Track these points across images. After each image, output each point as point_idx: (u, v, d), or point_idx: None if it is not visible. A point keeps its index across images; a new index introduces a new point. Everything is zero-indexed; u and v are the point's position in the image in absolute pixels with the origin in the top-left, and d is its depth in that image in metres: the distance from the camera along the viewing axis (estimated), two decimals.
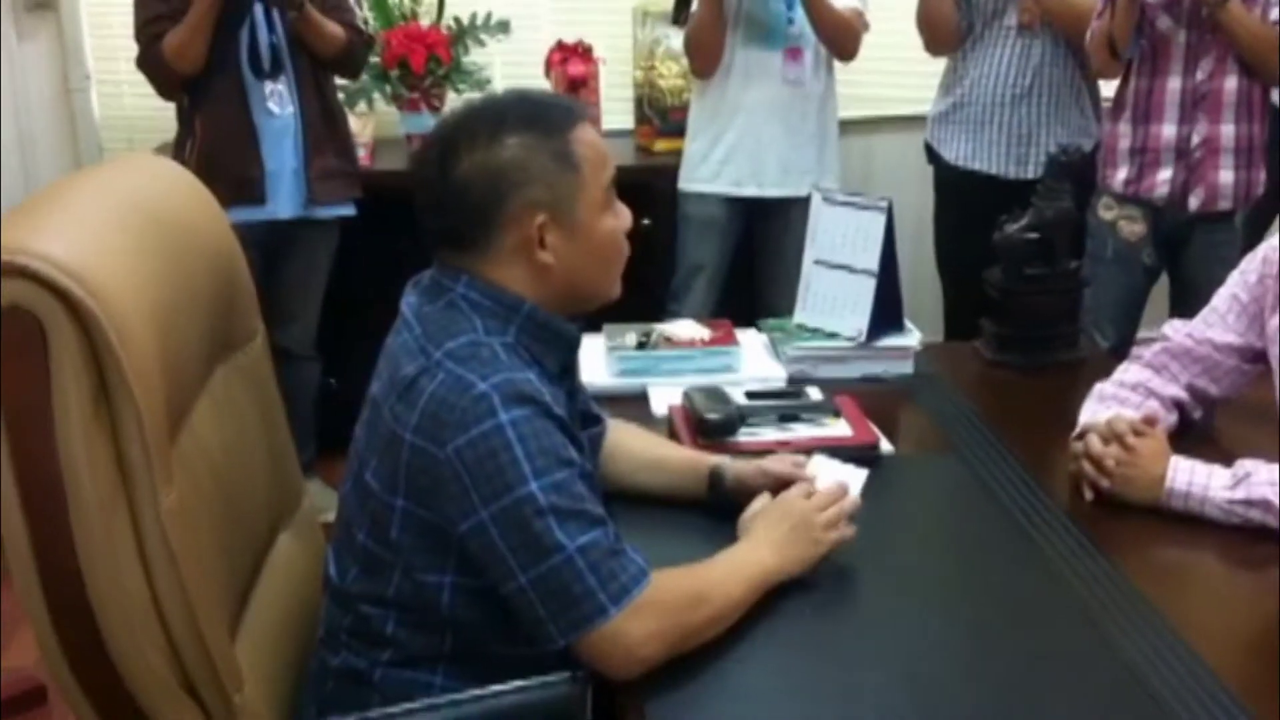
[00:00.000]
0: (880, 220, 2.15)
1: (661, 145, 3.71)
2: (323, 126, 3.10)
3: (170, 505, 1.22)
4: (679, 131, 3.65)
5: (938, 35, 3.20)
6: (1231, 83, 2.77)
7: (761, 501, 1.59)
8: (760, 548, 1.49)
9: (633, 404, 2.03)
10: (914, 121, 3.58)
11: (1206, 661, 1.39)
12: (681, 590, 1.38)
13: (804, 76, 3.17)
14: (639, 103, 3.84)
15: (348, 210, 3.19)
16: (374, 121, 3.62)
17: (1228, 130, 2.79)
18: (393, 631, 1.44)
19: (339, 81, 3.25)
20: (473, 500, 1.33)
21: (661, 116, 3.74)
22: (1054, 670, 1.39)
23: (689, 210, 3.31)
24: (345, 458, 1.51)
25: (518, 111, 1.44)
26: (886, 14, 3.35)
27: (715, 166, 3.25)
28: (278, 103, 3.02)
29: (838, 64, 3.25)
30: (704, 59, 3.18)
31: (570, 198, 1.42)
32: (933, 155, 3.32)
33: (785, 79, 3.16)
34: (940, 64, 3.30)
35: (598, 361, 2.18)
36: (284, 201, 3.06)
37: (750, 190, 3.23)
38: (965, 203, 3.21)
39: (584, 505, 1.35)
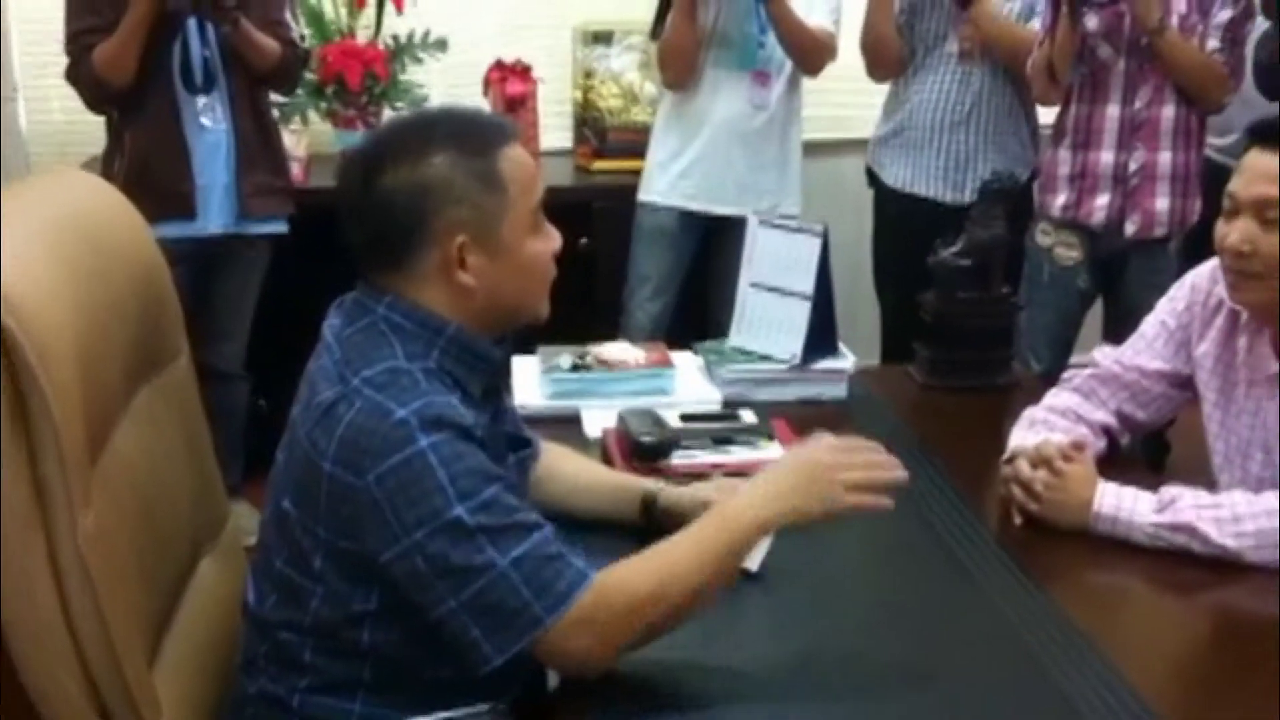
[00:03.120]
0: (816, 245, 2.16)
1: (600, 165, 3.72)
2: (256, 142, 3.06)
3: (88, 528, 1.20)
4: (618, 152, 3.68)
5: (879, 61, 3.24)
6: (1169, 111, 2.82)
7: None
8: (754, 502, 1.39)
9: (566, 426, 2.01)
10: (855, 145, 3.61)
11: (1134, 686, 1.39)
12: (633, 588, 1.33)
13: (770, 100, 3.20)
14: (578, 123, 3.85)
15: (280, 227, 3.15)
16: (308, 138, 3.58)
17: (1164, 158, 2.84)
18: (311, 659, 1.41)
19: (274, 97, 3.22)
20: (395, 529, 1.30)
21: (600, 137, 3.75)
22: (985, 696, 1.40)
23: (642, 220, 3.33)
24: None
25: (446, 128, 1.42)
26: None
27: (673, 179, 3.27)
28: (210, 117, 2.98)
29: (817, 88, 3.29)
30: (675, 72, 3.20)
31: (494, 219, 1.40)
32: (873, 178, 3.35)
33: (751, 101, 3.19)
34: (881, 89, 3.33)
35: (531, 383, 2.17)
36: (215, 217, 3.02)
37: (705, 206, 3.26)
38: (903, 226, 3.24)
39: (515, 517, 1.32)
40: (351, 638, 1.39)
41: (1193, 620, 1.64)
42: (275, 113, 3.25)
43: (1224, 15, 2.76)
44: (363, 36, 3.66)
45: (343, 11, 3.66)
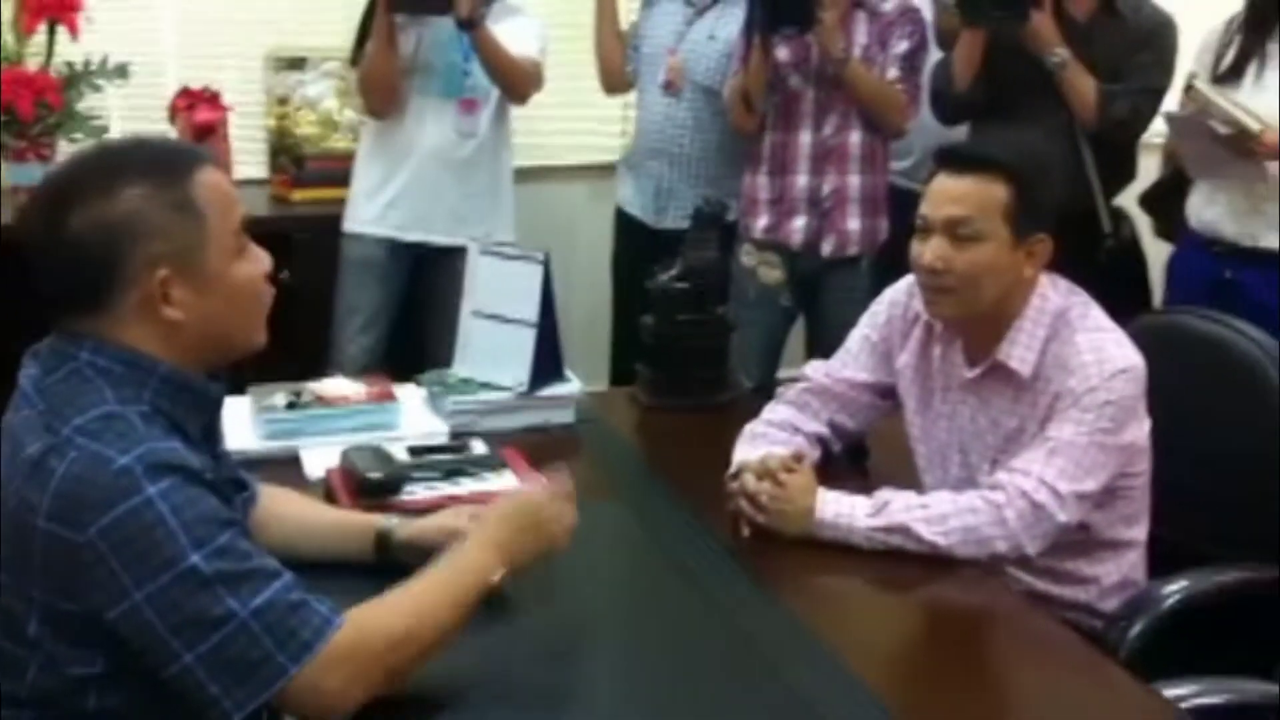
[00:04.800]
0: (538, 272, 2.16)
1: (299, 195, 3.62)
2: None
3: None
4: (318, 181, 3.59)
5: (604, 76, 3.42)
6: (856, 137, 3.01)
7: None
8: (485, 551, 1.45)
9: (284, 468, 1.94)
10: (585, 170, 3.73)
11: (861, 678, 1.47)
12: (384, 631, 1.32)
13: (478, 128, 3.18)
14: (273, 151, 3.73)
15: None
16: None
17: (854, 181, 3.02)
18: None
19: None
20: (124, 583, 1.22)
21: (298, 165, 3.65)
22: (724, 701, 1.43)
23: (349, 252, 3.25)
24: None
25: (133, 159, 1.35)
26: (580, 62, 3.47)
27: (381, 209, 3.20)
28: None
29: (526, 115, 3.31)
30: (378, 100, 3.15)
31: (195, 248, 1.33)
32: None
33: (459, 129, 3.16)
34: (612, 114, 3.46)
35: (244, 424, 2.07)
36: None
37: (416, 236, 3.21)
38: (628, 247, 3.34)
39: (254, 562, 1.27)
40: (75, 705, 1.28)
41: (910, 614, 1.75)
42: None
43: (902, 46, 2.97)
44: (33, 63, 3.40)
45: (9, 37, 3.40)
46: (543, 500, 1.54)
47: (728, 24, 3.16)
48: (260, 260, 1.42)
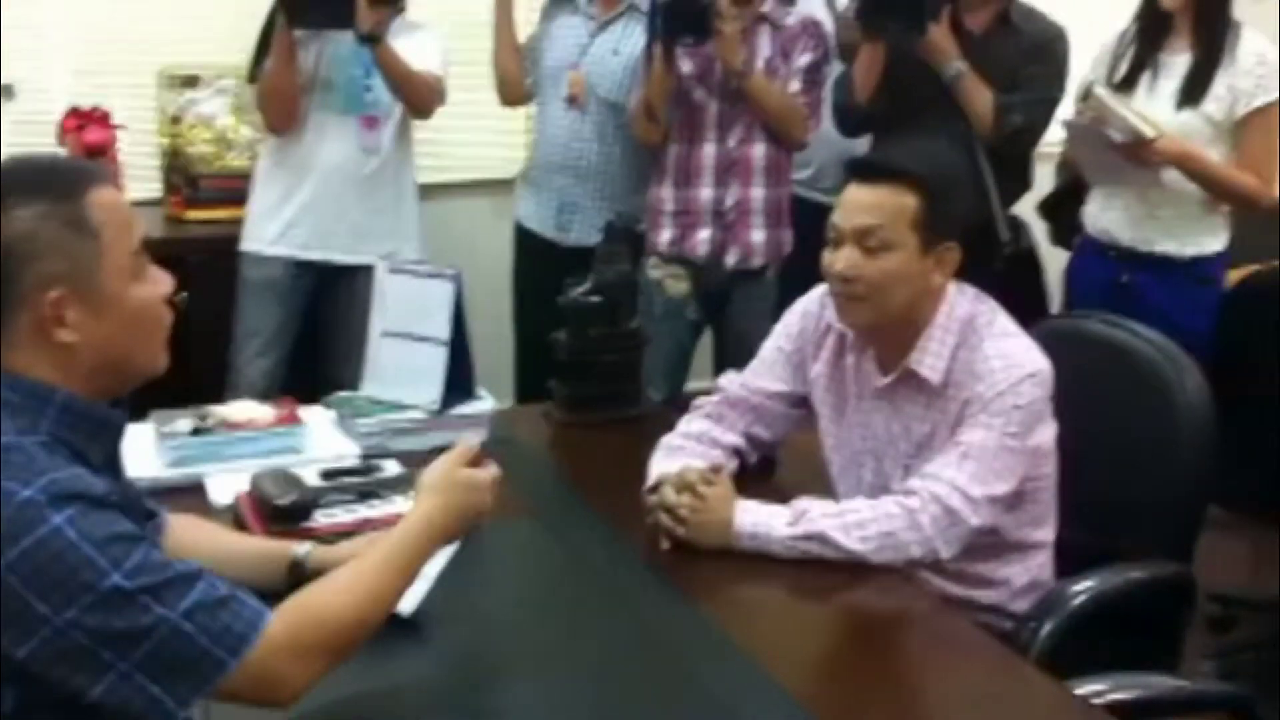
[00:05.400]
0: (449, 289, 2.14)
1: (194, 215, 3.56)
2: None
3: None
4: (213, 200, 3.53)
5: (501, 88, 3.36)
6: (759, 149, 3.03)
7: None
8: (425, 518, 1.45)
9: (189, 496, 1.90)
10: (508, 185, 3.69)
11: (784, 685, 1.48)
12: (331, 614, 1.31)
13: (381, 144, 3.14)
14: (166, 171, 3.65)
15: None
16: None
17: (758, 193, 3.05)
18: None
19: None
20: (41, 613, 1.18)
21: (192, 185, 3.57)
22: (647, 714, 1.44)
23: (247, 272, 3.18)
24: None
25: (20, 178, 1.31)
26: (481, 76, 3.43)
27: (281, 227, 3.14)
28: None
29: (427, 130, 3.28)
30: (277, 116, 3.09)
31: (90, 268, 1.29)
32: None
33: (361, 145, 3.12)
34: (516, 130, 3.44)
35: (147, 452, 2.02)
36: None
37: (318, 254, 3.15)
38: (532, 262, 3.33)
39: (174, 570, 1.24)
40: None
41: (830, 620, 1.76)
42: None
43: (804, 59, 3.00)
44: None
45: None
46: (477, 479, 1.53)
47: (631, 39, 3.16)
48: (160, 282, 1.39)
